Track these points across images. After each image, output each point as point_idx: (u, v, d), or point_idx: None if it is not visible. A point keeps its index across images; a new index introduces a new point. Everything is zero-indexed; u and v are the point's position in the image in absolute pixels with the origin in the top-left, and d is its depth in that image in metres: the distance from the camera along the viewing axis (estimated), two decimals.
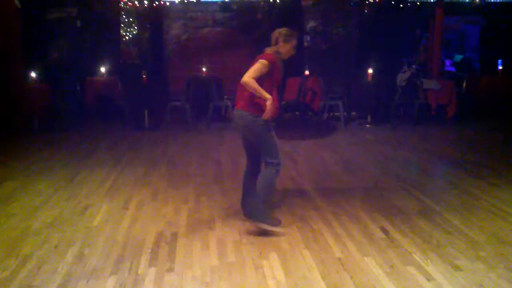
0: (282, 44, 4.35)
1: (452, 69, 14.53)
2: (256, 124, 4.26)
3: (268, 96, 4.12)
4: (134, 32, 12.39)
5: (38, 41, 10.73)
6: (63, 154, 7.59)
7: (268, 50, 4.34)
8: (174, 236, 4.27)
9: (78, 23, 11.57)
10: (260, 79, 4.16)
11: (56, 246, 4.04)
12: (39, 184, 5.90)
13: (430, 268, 3.57)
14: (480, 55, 14.48)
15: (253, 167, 4.56)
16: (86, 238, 4.21)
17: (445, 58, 14.64)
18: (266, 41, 11.81)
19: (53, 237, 4.24)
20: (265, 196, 4.29)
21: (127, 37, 12.47)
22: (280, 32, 4.37)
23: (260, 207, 4.22)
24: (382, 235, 4.25)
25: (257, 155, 4.46)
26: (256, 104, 4.23)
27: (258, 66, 4.16)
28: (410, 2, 12.09)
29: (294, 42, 4.38)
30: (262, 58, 4.22)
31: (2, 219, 4.70)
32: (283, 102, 10.06)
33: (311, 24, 11.93)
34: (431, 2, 11.74)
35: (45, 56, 11.01)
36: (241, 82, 4.13)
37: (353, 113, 10.89)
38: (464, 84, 10.65)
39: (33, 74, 9.59)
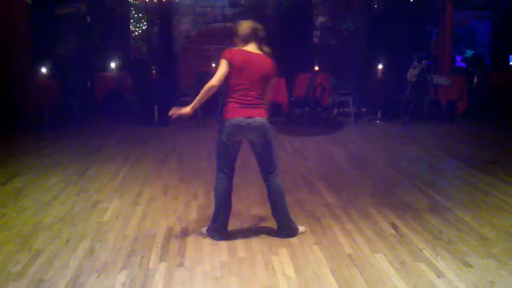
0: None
1: (463, 64, 14.44)
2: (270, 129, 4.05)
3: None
4: (144, 28, 12.39)
5: (48, 37, 10.77)
6: (74, 149, 7.63)
7: (260, 51, 4.10)
8: (185, 231, 4.28)
9: (88, 19, 11.60)
10: None
11: (67, 241, 4.06)
12: (50, 179, 5.93)
13: (441, 265, 3.56)
14: (491, 51, 14.37)
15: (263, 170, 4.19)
16: (97, 233, 4.23)
17: (455, 53, 14.55)
18: (275, 36, 11.81)
19: (64, 232, 4.27)
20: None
21: (136, 33, 12.48)
22: (260, 27, 4.19)
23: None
24: (392, 231, 4.24)
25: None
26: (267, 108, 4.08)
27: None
28: None
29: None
30: (276, 70, 4.13)
31: (13, 213, 4.73)
32: (293, 98, 10.05)
33: (320, 19, 11.88)
34: None
35: (55, 52, 11.05)
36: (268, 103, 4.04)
37: (363, 109, 10.86)
38: (475, 80, 10.59)
39: (42, 70, 9.64)
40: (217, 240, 4.06)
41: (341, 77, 10.65)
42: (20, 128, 9.05)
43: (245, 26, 4.09)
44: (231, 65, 3.90)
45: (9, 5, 9.26)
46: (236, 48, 4.04)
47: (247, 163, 6.51)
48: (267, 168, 4.11)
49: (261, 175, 4.17)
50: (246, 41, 4.06)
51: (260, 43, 4.09)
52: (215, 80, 3.90)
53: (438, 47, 11.91)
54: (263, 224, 4.40)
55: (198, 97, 3.99)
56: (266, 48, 4.11)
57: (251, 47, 4.04)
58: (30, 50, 9.50)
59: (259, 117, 3.96)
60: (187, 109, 4.01)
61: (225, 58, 3.92)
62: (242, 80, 3.93)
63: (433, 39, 13.21)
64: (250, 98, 3.95)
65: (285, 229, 4.14)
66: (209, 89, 3.94)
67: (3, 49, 9.20)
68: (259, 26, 4.14)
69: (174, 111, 4.07)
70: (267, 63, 4.02)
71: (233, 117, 3.92)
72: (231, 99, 3.98)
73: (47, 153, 7.31)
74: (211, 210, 4.77)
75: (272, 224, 4.40)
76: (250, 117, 3.93)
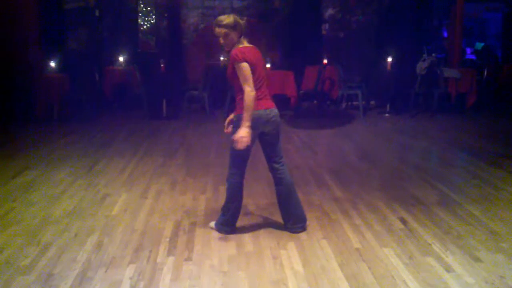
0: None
1: (473, 57, 14.32)
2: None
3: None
4: (152, 21, 12.40)
5: (57, 31, 10.80)
6: (82, 143, 7.66)
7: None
8: (193, 225, 4.28)
9: (97, 13, 11.61)
10: None
11: (75, 235, 4.08)
12: (59, 173, 5.96)
13: (450, 259, 3.54)
14: (501, 43, 14.24)
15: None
16: (105, 227, 4.25)
17: (465, 46, 14.43)
18: (284, 29, 11.78)
19: (72, 225, 4.28)
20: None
21: (145, 26, 12.49)
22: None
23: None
24: (401, 225, 4.21)
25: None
26: None
27: None
28: None
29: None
30: None
31: (22, 207, 4.76)
32: (301, 91, 10.02)
33: (329, 12, 11.81)
34: None
35: (64, 46, 11.07)
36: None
37: (372, 102, 10.82)
38: (485, 73, 10.50)
39: (52, 64, 9.67)
40: (224, 234, 4.07)
41: (350, 70, 10.61)
42: (30, 121, 9.10)
43: (235, 21, 3.95)
44: (250, 65, 3.84)
45: (19, 0, 9.30)
46: (242, 46, 3.93)
47: (255, 159, 6.51)
48: (278, 157, 4.09)
49: (271, 167, 4.14)
50: (240, 36, 3.98)
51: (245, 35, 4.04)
52: (251, 87, 3.79)
53: (448, 39, 11.81)
54: (271, 219, 4.40)
55: (248, 112, 3.78)
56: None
57: (246, 42, 4.01)
58: (40, 44, 9.53)
59: (275, 108, 4.00)
60: (245, 131, 3.81)
61: (245, 60, 3.81)
62: (256, 76, 3.89)
63: (444, 35, 13.11)
64: (265, 91, 3.97)
65: (301, 220, 4.12)
66: (253, 98, 3.80)
67: (14, 43, 9.25)
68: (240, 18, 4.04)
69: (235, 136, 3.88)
70: (261, 55, 4.04)
71: (256, 110, 3.86)
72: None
73: (56, 147, 7.35)
74: (219, 204, 4.78)
75: (280, 218, 4.39)
76: (269, 108, 3.95)
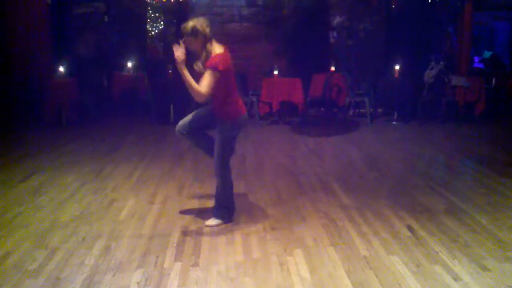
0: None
1: (481, 65, 14.29)
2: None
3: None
4: (160, 27, 12.45)
5: (66, 36, 10.87)
6: (91, 148, 7.69)
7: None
8: (199, 231, 4.29)
9: (106, 18, 11.68)
10: None
11: (83, 239, 4.09)
12: (67, 177, 5.98)
13: (457, 268, 3.53)
14: (509, 52, 14.21)
15: None
16: (113, 232, 4.26)
17: (473, 54, 14.40)
18: (292, 37, 11.79)
19: (80, 230, 4.30)
20: None
21: (153, 32, 12.54)
22: None
23: None
24: (408, 233, 4.20)
25: None
26: None
27: None
28: None
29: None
30: None
31: (30, 211, 4.78)
32: (309, 98, 10.02)
33: (337, 19, 11.82)
34: None
35: (73, 51, 11.14)
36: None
37: (379, 109, 10.80)
38: (493, 81, 10.47)
39: (61, 69, 9.72)
40: (227, 220, 4.41)
41: (358, 78, 10.61)
42: (38, 126, 9.14)
43: (203, 25, 4.18)
44: (226, 71, 4.12)
45: (30, 5, 9.38)
46: (219, 53, 4.13)
47: (261, 168, 6.52)
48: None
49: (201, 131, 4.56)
50: (209, 40, 4.19)
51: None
52: (206, 90, 4.11)
53: (455, 47, 11.78)
54: (277, 225, 4.40)
55: (189, 83, 4.11)
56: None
57: (217, 46, 4.23)
58: (50, 49, 9.60)
59: None
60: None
61: (221, 67, 4.08)
62: (231, 80, 4.26)
63: (454, 40, 13.08)
64: (237, 93, 4.40)
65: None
66: (202, 97, 4.16)
67: (24, 48, 9.31)
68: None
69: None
70: (230, 56, 4.27)
71: (244, 113, 4.42)
72: (232, 100, 4.32)
73: (64, 151, 7.38)
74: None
75: (287, 225, 4.40)
76: (245, 113, 4.48)
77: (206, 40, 4.17)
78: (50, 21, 9.66)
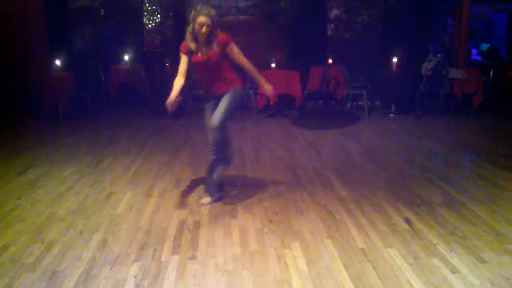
0: (192, 25, 4.43)
1: (479, 58, 14.28)
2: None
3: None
4: (157, 20, 12.41)
5: (63, 30, 10.82)
6: (88, 141, 7.67)
7: (186, 36, 4.55)
8: (197, 224, 4.28)
9: (102, 12, 11.63)
10: (193, 69, 4.60)
11: (80, 233, 4.09)
12: (64, 170, 5.97)
13: (455, 260, 3.53)
14: (507, 44, 14.19)
15: None
16: (110, 225, 4.25)
17: (471, 47, 14.39)
18: (289, 29, 11.77)
19: (77, 223, 4.29)
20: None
21: (150, 25, 12.50)
22: (191, 13, 4.44)
23: None
24: (405, 225, 4.20)
25: None
26: None
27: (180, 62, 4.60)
28: None
29: (198, 19, 4.36)
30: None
31: (27, 205, 4.77)
32: (306, 91, 10.01)
33: (334, 12, 11.80)
34: None
35: (69, 45, 11.10)
36: None
37: (377, 102, 10.80)
38: (491, 74, 10.46)
39: (57, 62, 9.69)
40: (229, 162, 4.86)
41: (355, 70, 10.59)
42: (35, 120, 9.12)
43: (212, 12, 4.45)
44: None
45: None
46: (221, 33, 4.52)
47: (259, 158, 6.52)
48: None
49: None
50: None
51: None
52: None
53: (453, 40, 11.76)
54: (275, 218, 4.39)
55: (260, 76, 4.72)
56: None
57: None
58: (45, 43, 9.55)
59: None
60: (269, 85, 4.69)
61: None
62: None
63: (449, 32, 13.06)
64: None
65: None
66: None
67: (20, 41, 9.27)
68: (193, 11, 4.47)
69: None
70: None
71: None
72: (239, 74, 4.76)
73: (62, 145, 7.36)
74: (223, 203, 4.80)
75: (285, 218, 4.39)
76: None
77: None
78: (46, 15, 9.61)
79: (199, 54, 4.51)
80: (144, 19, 12.31)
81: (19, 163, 6.32)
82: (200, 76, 4.67)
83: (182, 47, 4.56)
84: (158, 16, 12.34)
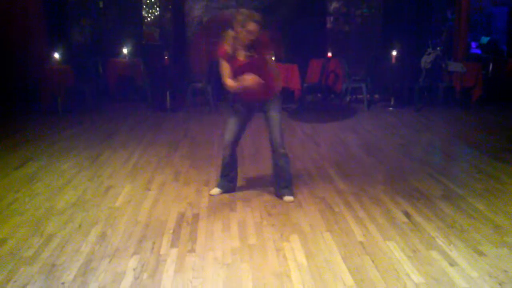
0: (237, 29, 4.28)
1: (478, 51, 14.24)
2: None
3: (247, 83, 4.26)
4: (156, 13, 12.36)
5: (61, 23, 10.77)
6: (86, 134, 7.66)
7: (224, 40, 4.39)
8: (196, 217, 4.28)
9: (100, 4, 11.58)
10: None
11: (79, 226, 4.09)
12: (62, 164, 5.96)
13: (454, 253, 3.53)
14: (507, 37, 14.14)
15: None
16: (109, 218, 4.25)
17: (471, 40, 14.34)
18: (289, 22, 11.72)
19: (76, 217, 4.29)
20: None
21: (149, 18, 12.45)
22: (236, 17, 4.26)
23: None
24: (404, 219, 4.20)
25: None
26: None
27: (221, 66, 4.40)
28: None
29: (249, 26, 4.22)
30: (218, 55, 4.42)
31: (26, 198, 4.76)
32: (305, 84, 9.99)
33: (334, 5, 11.76)
34: None
35: (68, 38, 11.06)
36: None
37: (376, 95, 10.78)
38: (490, 67, 10.44)
39: (56, 55, 9.66)
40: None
41: (355, 64, 10.56)
42: (34, 113, 9.10)
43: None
44: None
45: None
46: None
47: (257, 153, 6.51)
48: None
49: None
50: None
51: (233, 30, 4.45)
52: None
53: (452, 33, 11.73)
54: (274, 211, 4.39)
55: (233, 87, 4.42)
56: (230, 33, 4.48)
57: None
58: (44, 36, 9.52)
59: None
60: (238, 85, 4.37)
61: None
62: None
63: (450, 24, 13.01)
64: None
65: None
66: None
67: (19, 34, 9.24)
68: (240, 15, 4.36)
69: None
70: None
71: None
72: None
73: (60, 138, 7.35)
74: (222, 196, 4.81)
75: (283, 211, 4.39)
76: None
77: None
78: (44, 7, 9.57)
79: (240, 57, 4.35)
80: (143, 12, 12.26)
81: (17, 156, 6.31)
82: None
83: (221, 52, 4.36)
84: (157, 9, 12.29)
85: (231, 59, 4.36)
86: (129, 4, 11.81)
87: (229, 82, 4.33)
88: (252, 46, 4.35)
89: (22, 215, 4.34)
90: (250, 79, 4.23)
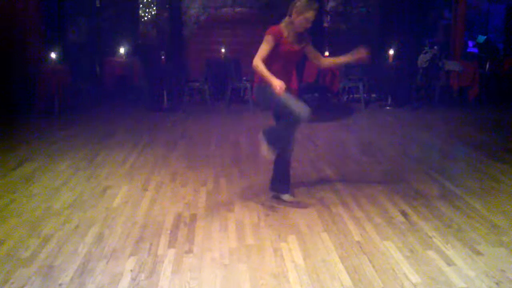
0: (294, 16, 4.23)
1: (475, 50, 14.26)
2: (268, 90, 4.12)
3: (274, 81, 3.99)
4: (153, 13, 12.35)
5: (57, 22, 10.75)
6: (83, 134, 7.65)
7: (282, 23, 4.30)
8: (193, 217, 4.28)
9: (97, 3, 11.56)
10: (271, 56, 4.17)
11: (76, 227, 4.08)
12: (59, 164, 5.95)
13: (451, 253, 3.54)
14: (504, 36, 14.17)
15: None
16: (106, 219, 4.24)
17: (467, 39, 14.36)
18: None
19: (73, 217, 4.28)
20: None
21: (145, 18, 12.44)
22: (295, 2, 4.23)
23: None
24: (401, 218, 4.21)
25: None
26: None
27: (262, 44, 4.18)
28: None
29: (308, 13, 4.19)
30: (265, 33, 4.20)
31: (23, 199, 4.75)
32: (302, 84, 9.99)
33: (331, 4, 11.77)
34: None
35: (64, 37, 11.04)
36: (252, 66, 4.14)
37: (373, 95, 10.79)
38: (487, 66, 10.46)
39: (52, 55, 9.64)
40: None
41: (352, 63, 10.56)
42: (30, 113, 9.08)
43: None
44: None
45: None
46: None
47: (255, 152, 6.50)
48: None
49: None
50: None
51: (288, 16, 4.32)
52: None
53: (449, 32, 11.74)
54: (271, 211, 4.39)
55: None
56: (285, 19, 4.34)
57: None
58: (40, 35, 9.49)
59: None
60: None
61: None
62: None
63: (445, 23, 13.03)
64: None
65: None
66: None
67: (14, 34, 9.22)
68: (299, 3, 4.24)
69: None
70: None
71: None
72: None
73: (57, 139, 7.34)
74: (220, 196, 4.82)
75: (281, 211, 4.39)
76: None
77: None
78: (40, 7, 9.55)
79: (293, 44, 4.28)
80: (140, 11, 12.24)
81: (14, 157, 6.30)
82: (277, 66, 4.24)
83: (275, 31, 4.20)
84: (154, 8, 12.28)
85: (281, 43, 4.22)
86: (126, 4, 11.80)
87: (260, 64, 4.10)
88: (302, 35, 4.33)
89: (19, 216, 4.33)
90: (279, 87, 3.98)
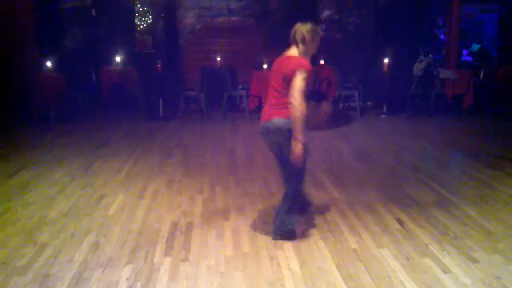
0: (308, 44, 3.91)
1: (469, 58, 14.34)
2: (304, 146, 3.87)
3: (303, 138, 3.80)
4: (149, 21, 12.37)
5: (53, 31, 10.77)
6: (79, 143, 7.64)
7: (296, 52, 3.92)
8: (189, 225, 4.27)
9: (93, 12, 11.58)
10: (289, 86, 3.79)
11: (72, 235, 4.07)
12: (55, 173, 5.94)
13: (447, 260, 3.54)
14: (497, 45, 14.26)
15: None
16: (102, 227, 4.23)
17: (462, 47, 14.44)
18: (280, 30, 11.74)
19: (69, 226, 4.27)
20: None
21: (141, 26, 12.46)
22: (306, 29, 3.93)
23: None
24: (397, 226, 4.22)
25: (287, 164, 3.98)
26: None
27: (302, 80, 3.73)
28: None
29: (319, 38, 4.01)
30: (300, 67, 3.76)
31: (18, 208, 4.74)
32: None
33: (326, 12, 11.81)
34: None
35: (60, 46, 11.04)
36: (294, 107, 3.73)
37: (369, 103, 10.82)
38: (481, 74, 10.52)
39: (48, 63, 9.64)
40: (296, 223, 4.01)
41: (347, 71, 10.61)
42: (26, 121, 9.07)
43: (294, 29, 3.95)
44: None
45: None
46: None
47: (252, 160, 6.52)
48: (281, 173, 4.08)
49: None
50: (292, 44, 3.96)
51: (302, 45, 3.92)
52: None
53: (444, 40, 11.82)
54: (268, 219, 4.39)
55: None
56: (300, 48, 3.92)
57: (290, 50, 3.95)
58: (36, 44, 9.50)
59: (278, 119, 3.85)
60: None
61: None
62: (269, 83, 3.98)
63: (441, 37, 13.11)
64: (271, 100, 3.94)
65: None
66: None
67: (10, 42, 9.22)
68: (309, 28, 3.94)
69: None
70: (289, 63, 3.82)
71: (261, 122, 3.95)
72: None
73: (53, 147, 7.32)
74: (216, 204, 4.81)
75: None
76: (270, 120, 3.87)
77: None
78: (36, 16, 9.56)
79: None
80: (136, 20, 12.27)
81: (10, 165, 6.28)
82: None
83: (309, 65, 3.86)
84: (150, 17, 12.31)
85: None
86: (121, 12, 11.81)
87: (303, 104, 3.77)
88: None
89: (14, 224, 4.31)
90: (298, 153, 3.83)
